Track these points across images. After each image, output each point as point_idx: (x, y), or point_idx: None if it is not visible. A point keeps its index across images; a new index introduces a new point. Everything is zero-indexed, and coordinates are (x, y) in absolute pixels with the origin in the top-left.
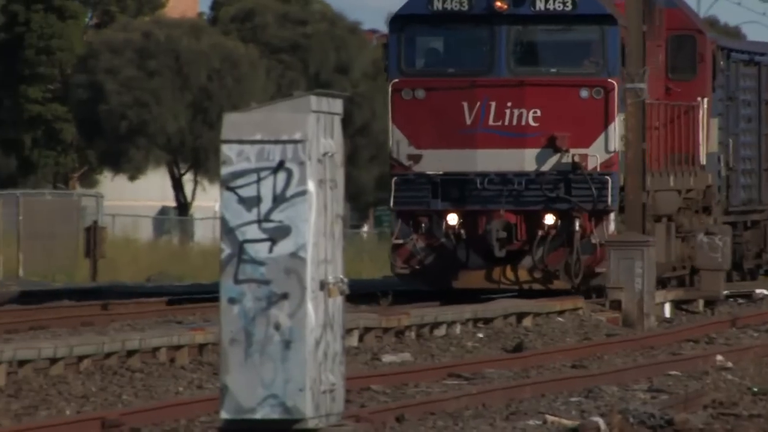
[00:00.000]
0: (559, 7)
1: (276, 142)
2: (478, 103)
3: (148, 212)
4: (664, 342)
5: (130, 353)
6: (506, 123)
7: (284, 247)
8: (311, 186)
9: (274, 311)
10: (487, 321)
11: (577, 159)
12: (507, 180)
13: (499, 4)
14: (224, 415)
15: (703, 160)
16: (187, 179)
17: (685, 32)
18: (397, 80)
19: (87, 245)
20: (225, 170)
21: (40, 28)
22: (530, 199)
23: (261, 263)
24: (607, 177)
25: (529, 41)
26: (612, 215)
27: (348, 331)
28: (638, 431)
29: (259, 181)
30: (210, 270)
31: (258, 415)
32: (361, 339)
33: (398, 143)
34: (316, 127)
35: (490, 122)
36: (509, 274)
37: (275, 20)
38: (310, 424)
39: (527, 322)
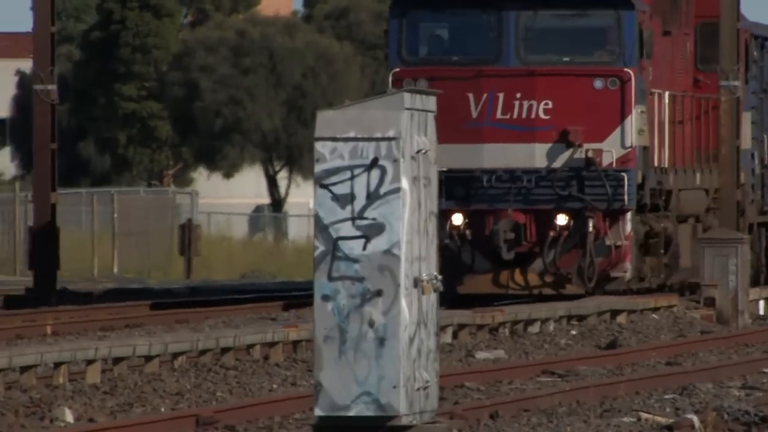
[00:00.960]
0: None
1: (370, 139)
2: (485, 95)
3: (243, 210)
4: (758, 339)
5: (225, 350)
6: (515, 116)
7: (378, 244)
8: (405, 183)
9: (368, 308)
10: (581, 318)
11: (590, 154)
12: (516, 177)
13: None
14: (318, 412)
15: None
16: (282, 177)
17: (715, 19)
18: (397, 69)
19: (181, 243)
20: (319, 168)
21: (135, 26)
22: (541, 197)
23: (355, 260)
24: (623, 174)
25: (539, 28)
26: (628, 215)
27: (442, 328)
28: (732, 428)
29: (352, 178)
30: (304, 267)
31: (352, 412)
32: (455, 336)
33: None
34: (409, 125)
35: (498, 115)
36: (518, 278)
37: (370, 17)
38: (404, 421)
39: (621, 319)
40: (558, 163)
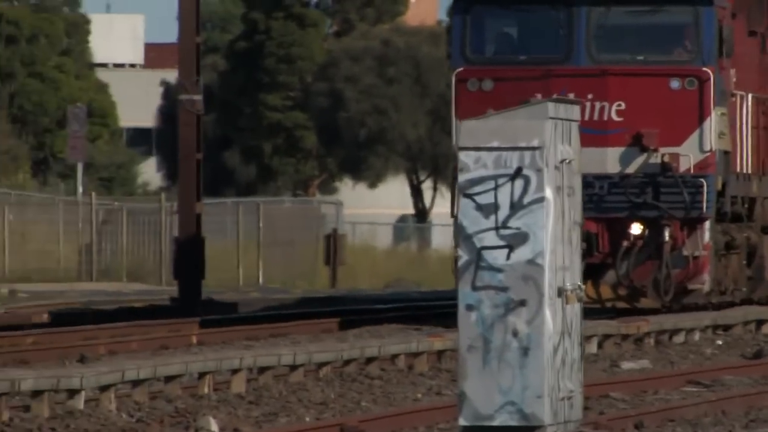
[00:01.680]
0: None
1: (513, 149)
2: (554, 95)
3: (388, 220)
4: None
5: (369, 360)
6: (586, 118)
7: (522, 254)
8: (549, 193)
9: (512, 318)
10: (726, 328)
11: (667, 159)
12: (587, 183)
13: None
14: (462, 422)
15: None
16: (426, 186)
17: None
18: (461, 69)
19: (326, 252)
20: (462, 177)
21: (280, 36)
22: (613, 205)
23: (499, 270)
24: (702, 180)
25: (612, 24)
26: (707, 224)
27: (587, 338)
28: None
29: (496, 188)
30: (448, 276)
31: (496, 422)
32: (600, 346)
33: None
34: (553, 134)
35: None
36: (590, 290)
37: None
38: (549, 431)
39: (767, 328)
40: (632, 169)
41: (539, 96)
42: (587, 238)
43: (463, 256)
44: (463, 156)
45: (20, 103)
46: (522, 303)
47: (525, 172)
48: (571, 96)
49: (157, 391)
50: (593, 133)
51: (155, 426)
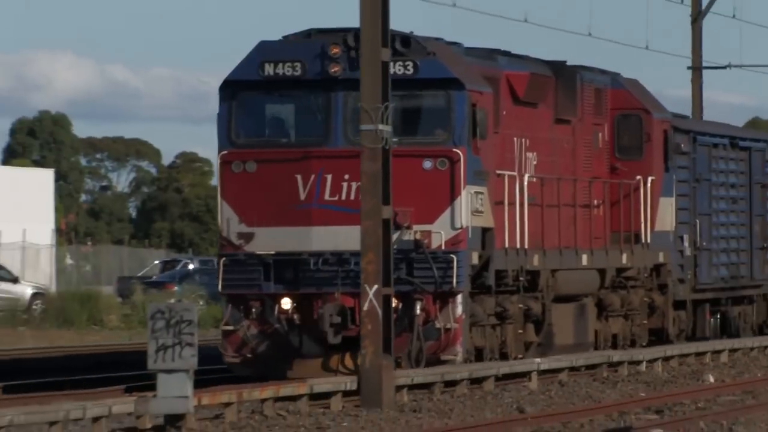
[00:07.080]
0: (399, 71)
1: None
2: (313, 176)
3: None
4: None
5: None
6: (343, 197)
7: None
8: None
9: None
10: None
11: (419, 236)
12: (343, 260)
13: (334, 68)
14: None
15: (646, 238)
16: None
17: (630, 112)
18: (226, 152)
19: None
20: None
21: None
22: None
23: None
24: (453, 256)
25: None
26: (459, 297)
27: None
28: None
29: None
30: None
31: None
32: None
33: (228, 221)
34: None
35: (326, 197)
36: (348, 362)
37: None
38: None
39: None
40: None
41: (299, 177)
42: (342, 312)
43: None
44: None
45: None
46: None
47: None
48: (329, 177)
49: None
50: (349, 212)
51: None
